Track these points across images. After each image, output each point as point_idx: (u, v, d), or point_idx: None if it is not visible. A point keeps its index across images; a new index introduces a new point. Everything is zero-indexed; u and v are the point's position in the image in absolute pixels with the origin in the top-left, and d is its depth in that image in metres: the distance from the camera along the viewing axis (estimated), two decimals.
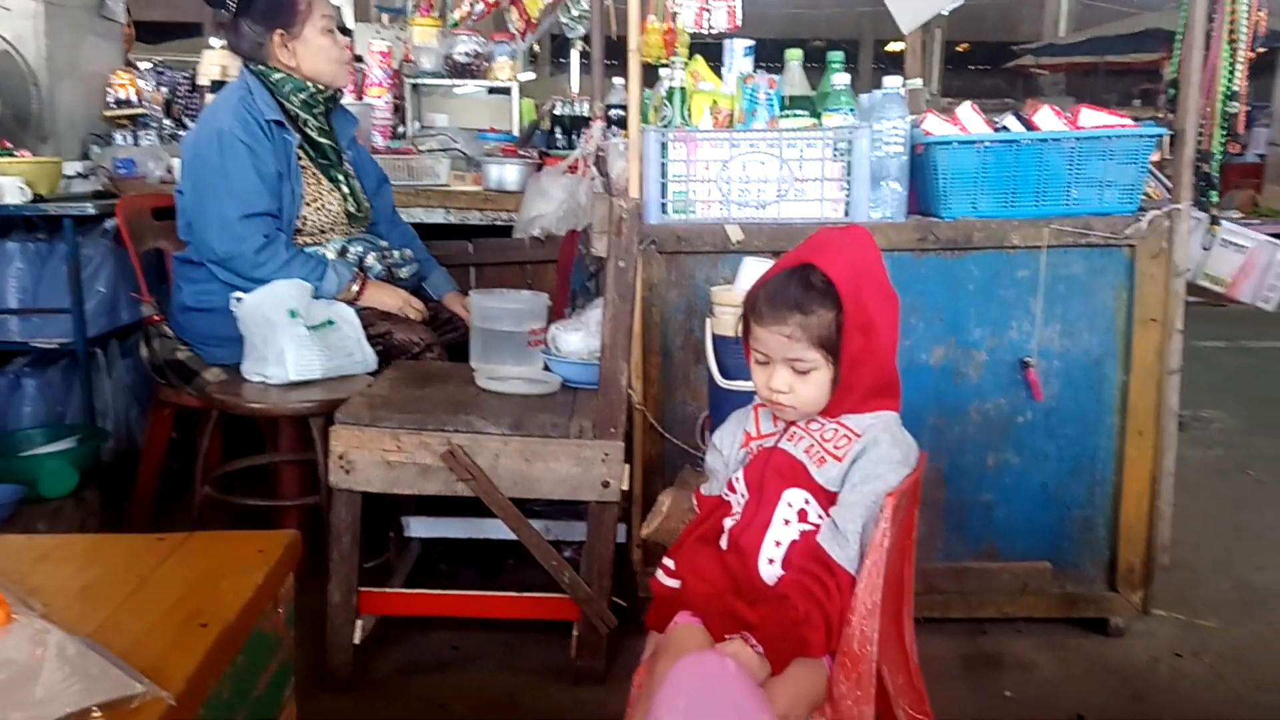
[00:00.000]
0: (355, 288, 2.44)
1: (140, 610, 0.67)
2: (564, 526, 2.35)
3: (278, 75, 2.47)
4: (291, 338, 2.21)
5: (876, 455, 1.39)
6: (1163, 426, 2.15)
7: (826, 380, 1.41)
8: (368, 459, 1.89)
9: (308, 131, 2.52)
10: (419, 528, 2.44)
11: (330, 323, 2.28)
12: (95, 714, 0.54)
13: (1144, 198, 2.16)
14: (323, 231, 2.51)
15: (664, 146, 2.10)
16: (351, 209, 2.57)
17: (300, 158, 2.47)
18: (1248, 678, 2.09)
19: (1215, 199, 2.19)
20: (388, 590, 2.08)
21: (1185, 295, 2.11)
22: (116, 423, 2.97)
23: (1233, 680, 2.08)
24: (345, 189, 2.56)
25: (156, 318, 2.55)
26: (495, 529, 2.39)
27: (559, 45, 9.23)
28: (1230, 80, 2.12)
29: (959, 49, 18.98)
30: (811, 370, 1.41)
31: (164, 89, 4.15)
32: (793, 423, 1.48)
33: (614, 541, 2.00)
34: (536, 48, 5.49)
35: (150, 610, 0.67)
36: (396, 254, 2.59)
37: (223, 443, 2.76)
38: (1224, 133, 2.13)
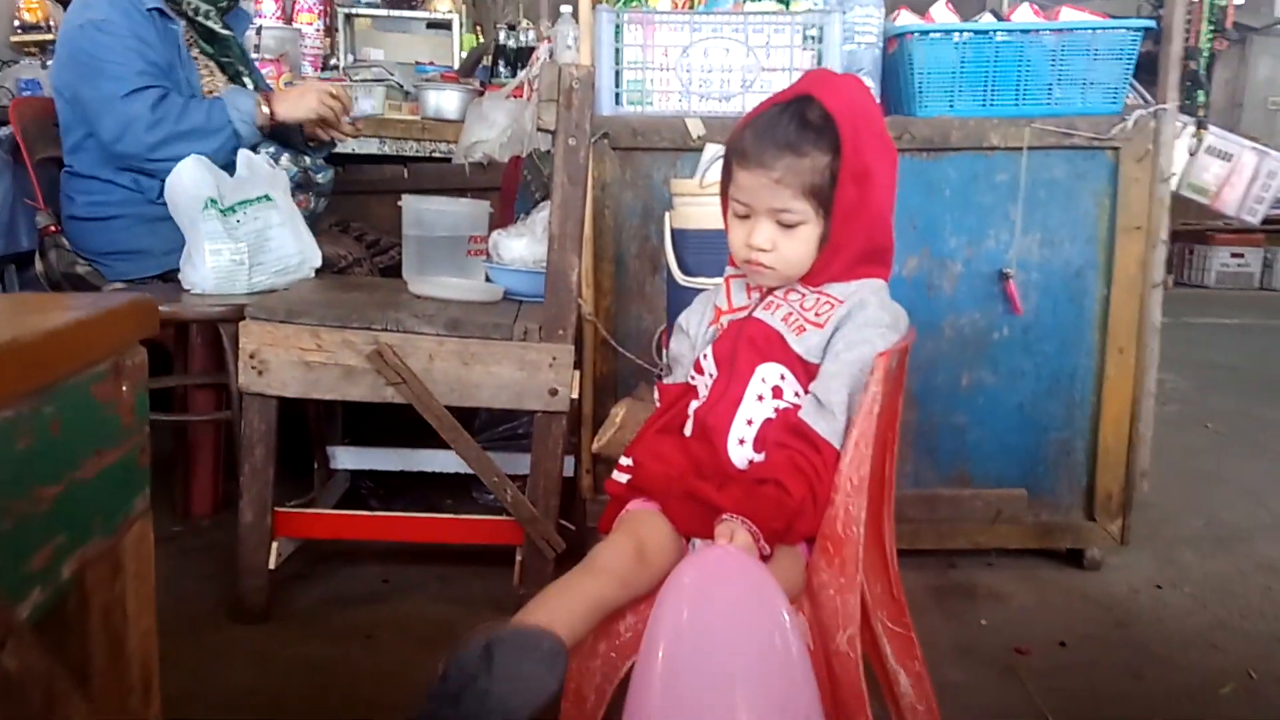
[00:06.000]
0: (265, 109, 2.14)
1: None
2: (507, 459, 2.16)
3: None
4: (208, 234, 1.94)
5: (863, 319, 1.23)
6: (1145, 343, 2.03)
7: (814, 237, 1.25)
8: (283, 359, 1.68)
9: (207, 24, 2.27)
10: (346, 458, 2.23)
11: (267, 198, 1.98)
12: None
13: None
14: None
15: (618, 29, 1.92)
16: None
17: (191, 47, 2.24)
18: (1231, 606, 1.98)
19: (1203, 99, 2.08)
20: (307, 510, 1.87)
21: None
22: None
23: (1217, 608, 1.97)
24: (246, 83, 2.32)
25: (54, 228, 2.30)
26: (430, 460, 2.20)
27: None
28: None
29: None
30: (799, 224, 1.24)
31: None
32: (770, 291, 1.31)
33: (562, 460, 1.82)
34: (481, 37, 5.28)
35: None
36: (308, 159, 2.35)
37: None
38: (1211, 27, 2.02)
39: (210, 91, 2.24)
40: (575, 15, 3.29)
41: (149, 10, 2.15)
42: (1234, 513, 2.53)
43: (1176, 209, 2.06)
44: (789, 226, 1.23)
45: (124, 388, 0.60)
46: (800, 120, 1.21)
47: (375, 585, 1.94)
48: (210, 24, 2.27)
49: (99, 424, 0.57)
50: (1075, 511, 2.10)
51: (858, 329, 1.23)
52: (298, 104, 2.17)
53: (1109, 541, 2.09)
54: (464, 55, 3.80)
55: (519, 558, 1.82)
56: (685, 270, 1.75)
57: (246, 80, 2.32)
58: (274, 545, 1.75)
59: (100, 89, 2.07)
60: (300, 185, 2.31)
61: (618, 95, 1.94)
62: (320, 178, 2.35)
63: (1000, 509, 2.07)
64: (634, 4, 1.98)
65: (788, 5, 1.97)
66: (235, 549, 1.76)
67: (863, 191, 1.22)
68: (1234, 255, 8.03)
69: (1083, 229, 2.00)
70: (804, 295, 1.29)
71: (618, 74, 1.93)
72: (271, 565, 1.75)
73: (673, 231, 1.77)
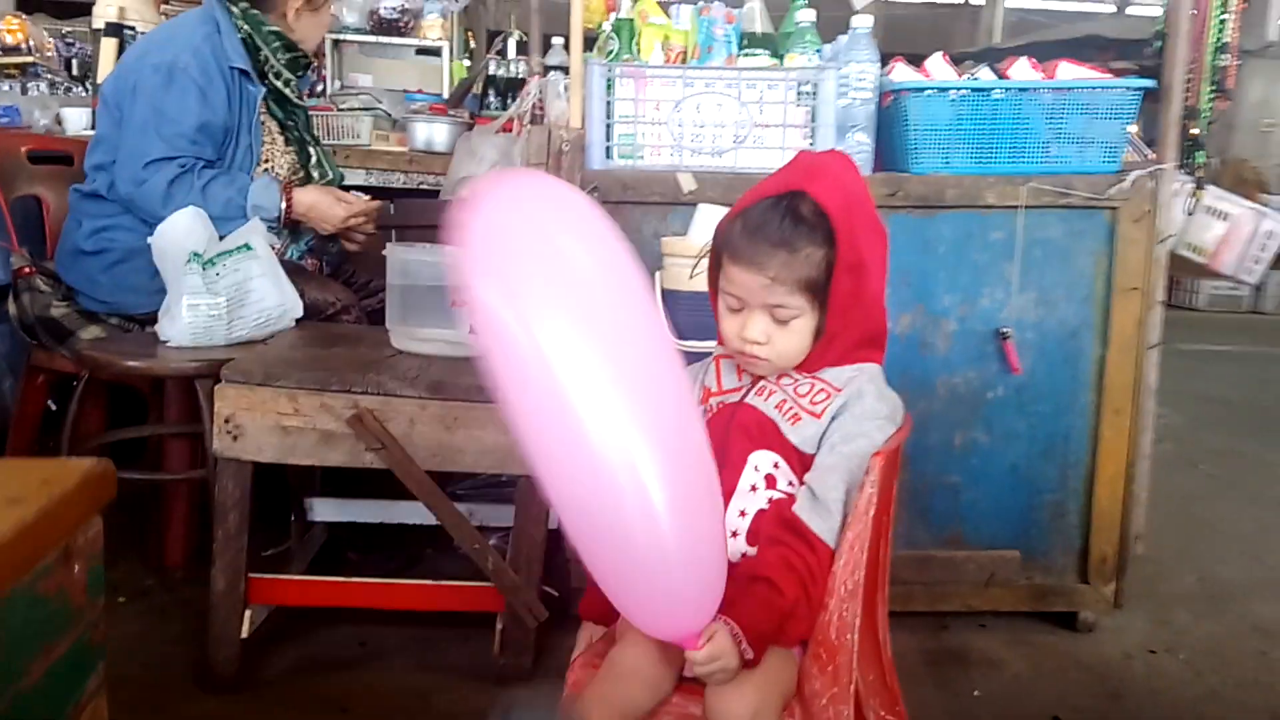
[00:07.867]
0: (284, 206, 2.14)
1: None
2: (490, 511, 2.11)
3: (270, 28, 2.20)
4: (188, 289, 1.88)
5: (860, 410, 1.19)
6: (1140, 405, 2.00)
7: (809, 329, 1.21)
8: (259, 424, 1.63)
9: (284, 90, 2.26)
10: (324, 510, 2.17)
11: (247, 247, 1.94)
12: None
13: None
14: None
15: (610, 83, 1.88)
16: (315, 176, 2.32)
17: (262, 111, 2.22)
18: (1225, 674, 1.95)
19: (1202, 160, 2.04)
20: (282, 577, 1.81)
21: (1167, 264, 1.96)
22: None
23: (1210, 677, 1.93)
24: (311, 153, 2.32)
25: (28, 270, 2.25)
26: (411, 513, 2.14)
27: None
28: (1221, 30, 1.98)
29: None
30: (794, 318, 1.20)
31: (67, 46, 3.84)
32: (761, 376, 1.27)
33: (545, 524, 1.77)
34: (472, 43, 5.26)
35: None
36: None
37: (109, 416, 2.45)
38: (1212, 88, 1.99)
39: (267, 159, 2.22)
40: (566, 47, 3.27)
41: (232, 69, 2.12)
42: (1228, 568, 2.49)
43: (1170, 267, 2.03)
44: (784, 321, 1.20)
45: (75, 569, 0.55)
46: (793, 216, 1.18)
47: (351, 649, 1.89)
48: (286, 91, 2.26)
49: (46, 619, 0.52)
50: (1069, 574, 2.06)
51: (856, 421, 1.19)
52: (319, 216, 2.19)
53: (1103, 604, 2.06)
54: (455, 83, 3.75)
55: (499, 626, 1.77)
56: (676, 333, 1.71)
57: (312, 151, 2.32)
58: (247, 613, 1.69)
59: (136, 142, 2.05)
60: (312, 250, 2.30)
61: (608, 149, 1.90)
62: (333, 247, 2.37)
63: (994, 571, 2.04)
64: (626, 57, 1.94)
65: (782, 60, 1.94)
66: (207, 613, 1.71)
67: (858, 281, 1.19)
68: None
69: (1079, 289, 1.97)
70: (798, 381, 1.25)
71: (609, 128, 1.89)
72: (244, 634, 1.69)
73: (663, 292, 1.73)
